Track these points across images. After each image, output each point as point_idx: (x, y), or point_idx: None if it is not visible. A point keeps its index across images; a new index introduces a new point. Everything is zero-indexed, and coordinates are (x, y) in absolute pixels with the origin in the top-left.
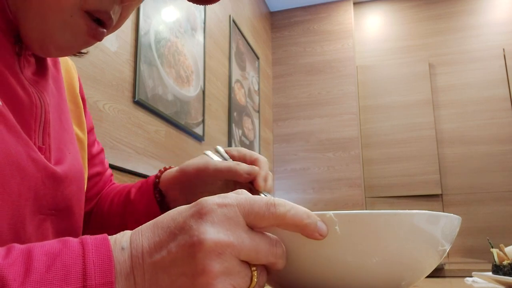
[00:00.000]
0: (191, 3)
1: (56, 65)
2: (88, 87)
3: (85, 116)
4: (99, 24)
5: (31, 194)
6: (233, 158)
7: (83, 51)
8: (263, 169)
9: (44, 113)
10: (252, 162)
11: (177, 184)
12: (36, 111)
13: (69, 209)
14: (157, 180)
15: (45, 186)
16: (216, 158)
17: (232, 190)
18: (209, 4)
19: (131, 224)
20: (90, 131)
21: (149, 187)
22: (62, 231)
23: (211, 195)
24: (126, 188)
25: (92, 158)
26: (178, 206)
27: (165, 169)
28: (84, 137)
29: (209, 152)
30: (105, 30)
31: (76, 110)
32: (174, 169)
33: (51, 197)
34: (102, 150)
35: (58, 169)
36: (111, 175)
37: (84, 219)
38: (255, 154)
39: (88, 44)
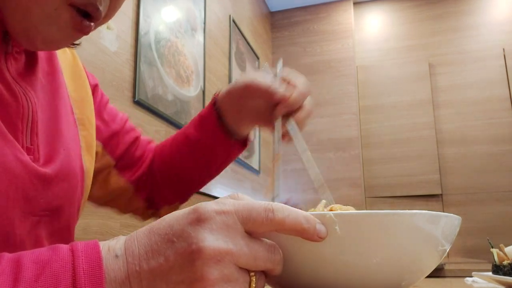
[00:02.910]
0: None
1: (51, 60)
2: None
3: (97, 93)
4: (86, 17)
5: (19, 196)
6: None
7: (75, 42)
8: (296, 95)
9: (32, 113)
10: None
11: (229, 97)
12: (23, 111)
13: (60, 208)
14: (215, 98)
15: (35, 187)
16: (269, 75)
17: (270, 112)
18: None
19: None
20: (107, 103)
21: (207, 115)
22: (56, 231)
23: (257, 113)
24: (181, 136)
25: (123, 126)
26: (232, 120)
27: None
28: (89, 121)
29: (266, 66)
30: (92, 24)
31: (80, 98)
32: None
33: (43, 198)
34: (127, 118)
35: (48, 169)
36: (147, 138)
37: (138, 184)
38: (297, 80)
39: (74, 38)
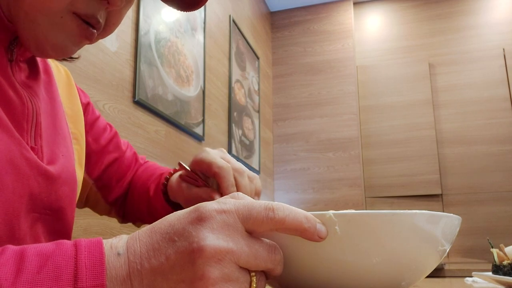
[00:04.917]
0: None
1: (47, 71)
2: (88, 87)
3: (87, 111)
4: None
5: (25, 192)
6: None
7: (74, 56)
8: (226, 181)
9: (36, 115)
10: (214, 175)
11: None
12: (27, 112)
13: (62, 210)
14: (164, 185)
15: (39, 184)
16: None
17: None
18: (191, 10)
19: (153, 219)
20: (95, 121)
21: (160, 189)
22: (54, 232)
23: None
24: (149, 181)
25: (105, 146)
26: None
27: (171, 174)
28: (82, 137)
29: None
30: (95, 31)
31: (73, 114)
32: (173, 180)
33: (45, 196)
34: (115, 135)
35: (51, 168)
36: (134, 153)
37: (115, 204)
38: (215, 166)
39: (81, 44)
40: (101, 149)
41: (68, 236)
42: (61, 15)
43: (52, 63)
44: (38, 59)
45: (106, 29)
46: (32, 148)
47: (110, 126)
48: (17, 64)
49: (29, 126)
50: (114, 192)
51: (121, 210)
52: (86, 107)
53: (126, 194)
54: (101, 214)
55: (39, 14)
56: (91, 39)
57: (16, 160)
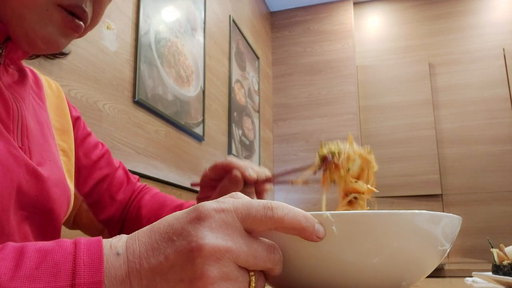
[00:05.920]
0: None
1: (38, 85)
2: (88, 87)
3: (78, 126)
4: (75, 18)
5: (13, 188)
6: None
7: (64, 51)
8: (241, 166)
9: (21, 118)
10: (230, 169)
11: None
12: (13, 113)
13: (53, 212)
14: None
15: (27, 182)
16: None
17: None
18: None
19: None
20: (86, 137)
21: None
22: (44, 232)
23: None
24: (163, 213)
25: (96, 162)
26: None
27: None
28: (70, 150)
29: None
30: (81, 23)
31: (62, 127)
32: None
33: (35, 195)
34: (106, 152)
35: (40, 169)
36: (127, 172)
37: (108, 225)
38: (225, 162)
39: (70, 37)
40: (92, 164)
41: (57, 236)
42: (47, 8)
43: (43, 78)
44: (29, 72)
45: (92, 20)
46: (19, 148)
47: (102, 144)
48: (5, 67)
49: (15, 126)
50: (107, 210)
51: (115, 232)
52: (76, 121)
53: (124, 219)
54: (93, 236)
55: (25, 9)
56: (78, 31)
57: (3, 157)
